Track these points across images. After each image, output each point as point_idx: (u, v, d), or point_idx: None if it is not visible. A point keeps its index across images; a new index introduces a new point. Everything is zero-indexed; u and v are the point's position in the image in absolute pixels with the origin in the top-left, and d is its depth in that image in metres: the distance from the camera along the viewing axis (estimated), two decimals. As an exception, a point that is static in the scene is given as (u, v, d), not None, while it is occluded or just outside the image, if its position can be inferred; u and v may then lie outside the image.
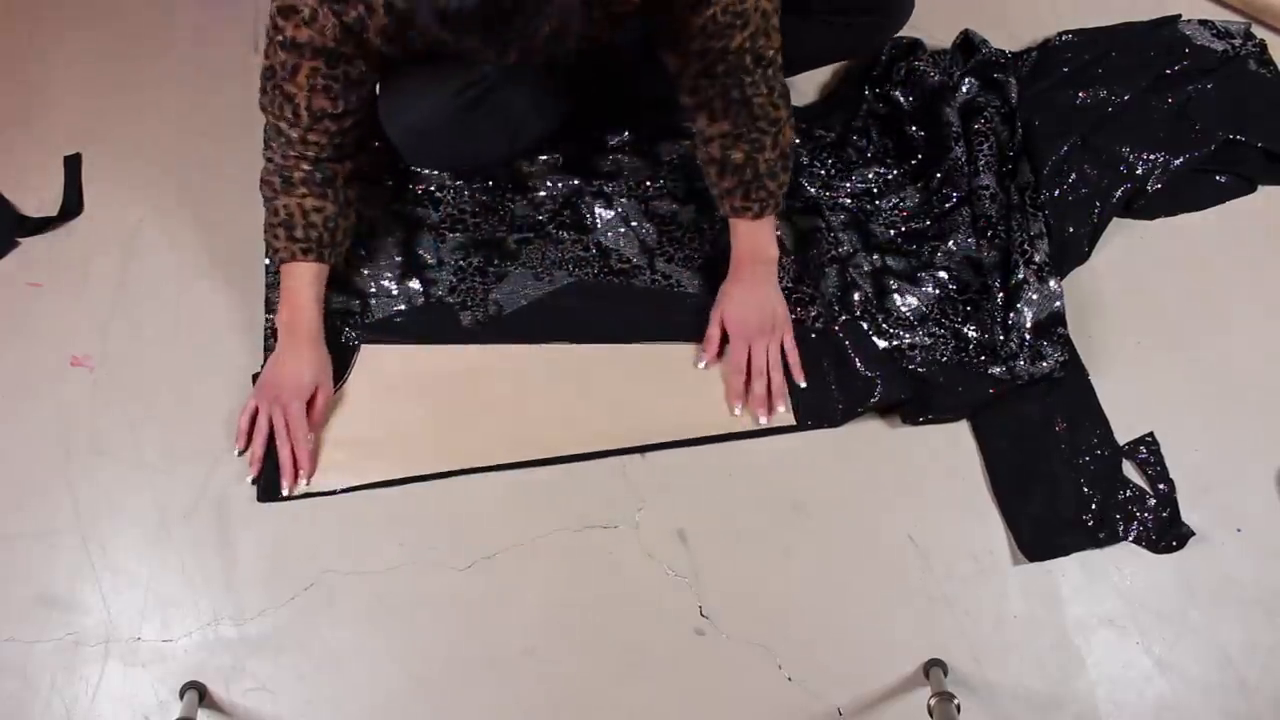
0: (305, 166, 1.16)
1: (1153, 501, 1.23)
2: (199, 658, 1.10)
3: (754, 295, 1.26)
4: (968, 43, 1.52)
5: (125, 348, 1.28)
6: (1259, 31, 1.58)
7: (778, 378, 1.25)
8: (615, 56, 1.28)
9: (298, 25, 1.03)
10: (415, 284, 1.31)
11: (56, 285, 1.33)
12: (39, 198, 1.40)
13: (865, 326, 1.30)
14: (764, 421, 1.23)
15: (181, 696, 1.07)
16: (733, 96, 1.12)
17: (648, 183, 1.40)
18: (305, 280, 1.19)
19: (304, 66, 1.07)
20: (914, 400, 1.26)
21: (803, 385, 1.26)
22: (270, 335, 1.26)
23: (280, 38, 1.05)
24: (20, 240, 1.36)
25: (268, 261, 1.31)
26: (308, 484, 1.18)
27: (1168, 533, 1.21)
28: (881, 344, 1.30)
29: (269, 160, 1.18)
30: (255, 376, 1.24)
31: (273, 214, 1.18)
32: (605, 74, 1.35)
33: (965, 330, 1.32)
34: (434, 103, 1.19)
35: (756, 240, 1.24)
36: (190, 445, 1.21)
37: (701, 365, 1.27)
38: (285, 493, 1.17)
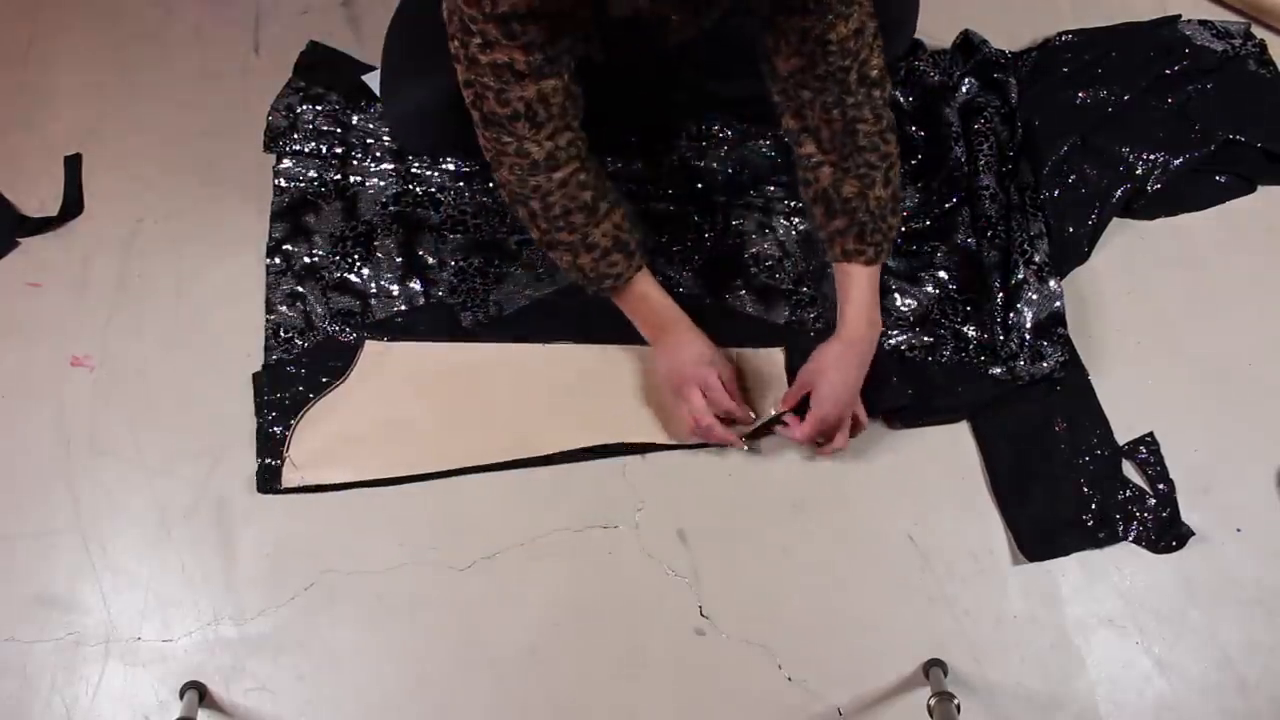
0: (580, 175, 1.04)
1: (1153, 501, 1.23)
2: (199, 658, 1.10)
3: (852, 377, 1.15)
4: (968, 43, 1.52)
5: (125, 348, 1.28)
6: (1259, 31, 1.58)
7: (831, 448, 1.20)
8: (682, 55, 1.21)
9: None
10: (416, 284, 1.31)
11: (56, 285, 1.33)
12: (39, 198, 1.40)
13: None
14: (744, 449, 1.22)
15: (181, 696, 1.07)
16: (834, 116, 1.05)
17: (648, 185, 1.40)
18: (649, 283, 1.15)
19: (520, 46, 0.93)
20: (914, 402, 1.25)
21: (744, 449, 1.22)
22: (271, 335, 1.26)
23: (483, 29, 0.92)
24: (20, 240, 1.36)
25: (269, 262, 1.31)
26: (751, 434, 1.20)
27: (1168, 533, 1.21)
28: (882, 344, 1.30)
29: (537, 200, 1.05)
30: (255, 375, 1.24)
31: (586, 250, 1.08)
32: (643, 77, 1.31)
33: (965, 330, 1.32)
34: (434, 89, 1.16)
35: (871, 295, 1.13)
36: (190, 445, 1.21)
37: (744, 447, 1.21)
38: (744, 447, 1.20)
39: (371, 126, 1.42)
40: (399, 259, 1.33)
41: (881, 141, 1.07)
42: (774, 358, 1.29)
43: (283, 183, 1.38)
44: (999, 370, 1.28)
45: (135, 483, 1.19)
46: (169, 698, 1.08)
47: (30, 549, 1.15)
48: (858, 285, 1.13)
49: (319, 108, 1.43)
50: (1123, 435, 1.27)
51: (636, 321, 1.18)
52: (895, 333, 1.31)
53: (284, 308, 1.29)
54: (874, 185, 1.09)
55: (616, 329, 1.29)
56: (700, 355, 1.16)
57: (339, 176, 1.38)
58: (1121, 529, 1.21)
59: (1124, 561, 1.20)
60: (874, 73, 1.04)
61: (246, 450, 1.21)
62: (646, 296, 1.16)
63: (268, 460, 1.19)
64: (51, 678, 1.09)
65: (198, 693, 1.07)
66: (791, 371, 1.27)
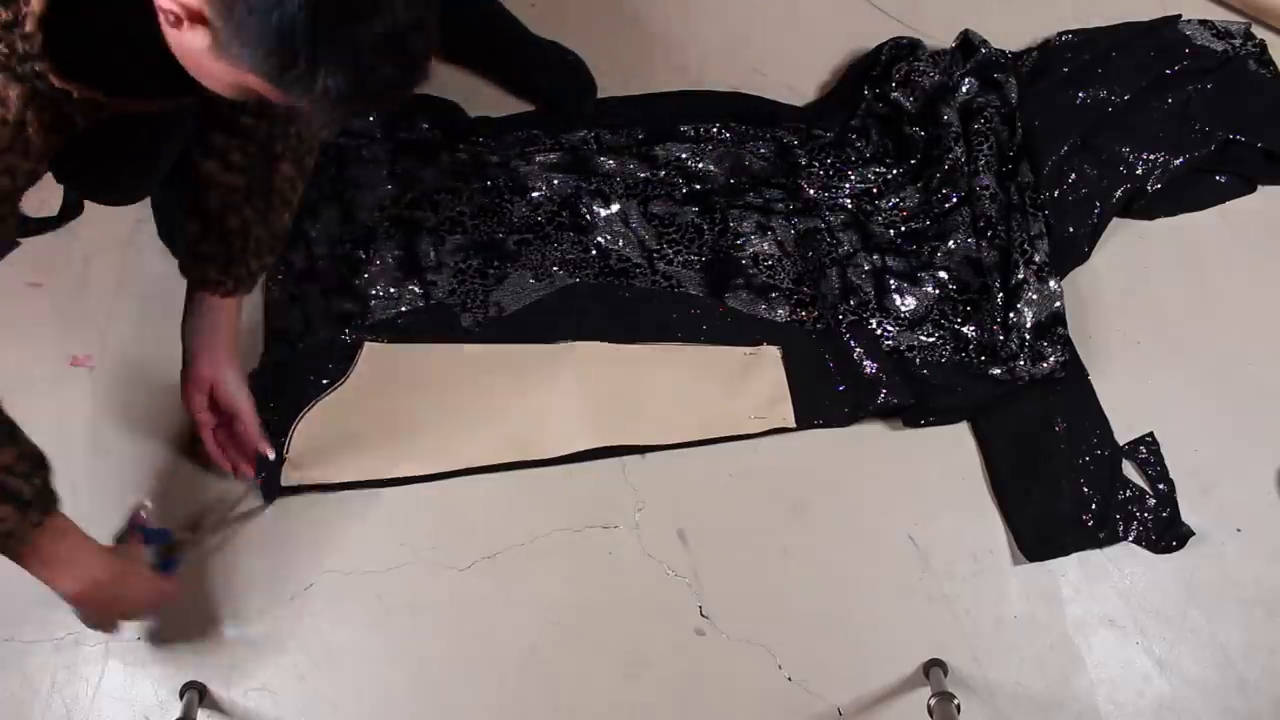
0: None
1: (1153, 501, 1.23)
2: (199, 658, 1.10)
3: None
4: (968, 43, 1.52)
5: (125, 348, 1.28)
6: (1259, 31, 1.58)
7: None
8: None
9: None
10: (415, 286, 1.31)
11: (56, 285, 1.33)
12: (39, 198, 1.39)
13: (868, 326, 1.30)
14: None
15: (181, 696, 1.07)
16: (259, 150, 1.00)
17: (645, 185, 1.40)
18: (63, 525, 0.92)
19: None
20: (914, 402, 1.26)
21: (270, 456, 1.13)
22: (270, 338, 1.26)
23: None
24: (20, 240, 1.35)
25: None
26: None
27: (1168, 533, 1.21)
28: (882, 345, 1.30)
29: None
30: (253, 374, 1.24)
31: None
32: None
33: (965, 330, 1.32)
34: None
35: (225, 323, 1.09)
36: (190, 445, 1.21)
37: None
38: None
39: (367, 129, 1.42)
40: (398, 261, 1.32)
41: (289, 187, 1.03)
42: (772, 356, 1.29)
43: None
44: (999, 370, 1.28)
45: (135, 482, 1.19)
46: (169, 698, 1.08)
47: (30, 549, 1.15)
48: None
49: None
50: (1123, 435, 1.27)
51: (61, 560, 0.92)
52: (895, 332, 1.31)
53: (283, 310, 1.28)
54: (265, 220, 1.03)
55: (616, 329, 1.29)
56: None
57: (336, 179, 1.38)
58: (1121, 529, 1.21)
59: (1124, 561, 1.20)
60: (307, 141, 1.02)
61: (246, 450, 1.20)
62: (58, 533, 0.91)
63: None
64: (51, 678, 1.09)
65: (198, 693, 1.07)
66: (790, 371, 1.28)
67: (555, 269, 1.33)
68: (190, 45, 0.68)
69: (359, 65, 0.66)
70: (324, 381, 1.24)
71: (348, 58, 0.66)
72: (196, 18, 0.65)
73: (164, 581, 1.04)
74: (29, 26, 0.69)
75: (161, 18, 0.67)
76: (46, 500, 0.89)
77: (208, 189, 1.01)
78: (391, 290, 1.31)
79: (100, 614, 1.00)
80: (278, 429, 1.20)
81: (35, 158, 0.77)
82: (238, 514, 1.17)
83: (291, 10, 0.62)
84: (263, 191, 1.02)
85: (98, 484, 1.19)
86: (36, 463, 0.89)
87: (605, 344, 1.29)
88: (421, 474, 1.20)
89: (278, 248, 1.08)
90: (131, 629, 1.11)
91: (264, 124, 0.98)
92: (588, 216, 1.36)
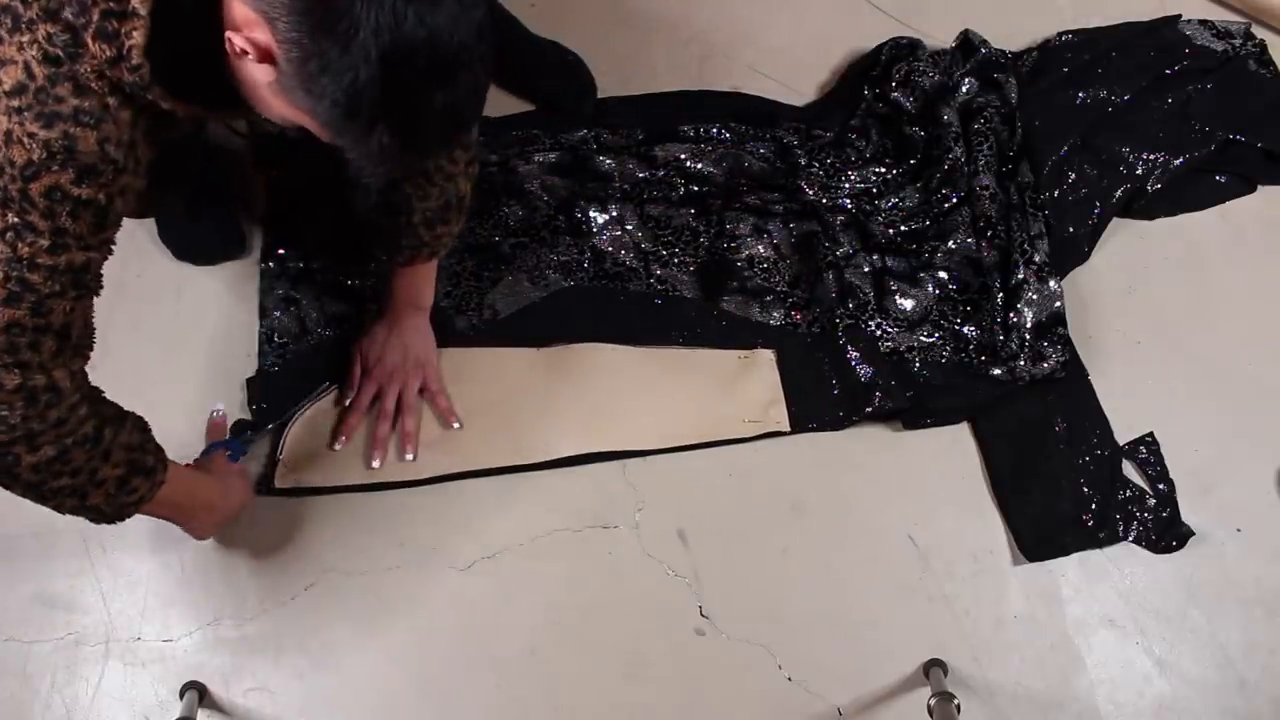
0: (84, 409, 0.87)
1: (1153, 501, 1.23)
2: (199, 658, 1.10)
3: (396, 336, 1.20)
4: (968, 43, 1.52)
5: (125, 348, 1.28)
6: (1259, 31, 1.58)
7: (410, 421, 1.20)
8: None
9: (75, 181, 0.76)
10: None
11: (56, 285, 1.33)
12: (39, 198, 1.40)
13: (865, 329, 1.30)
14: (376, 464, 1.18)
15: (181, 696, 1.07)
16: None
17: (643, 185, 1.40)
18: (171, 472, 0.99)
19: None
20: (915, 403, 1.25)
21: (456, 427, 1.21)
22: (265, 340, 1.26)
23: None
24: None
25: (262, 266, 1.31)
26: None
27: (1168, 533, 1.21)
28: (881, 346, 1.30)
29: (52, 443, 0.84)
30: (250, 381, 1.23)
31: (96, 487, 0.90)
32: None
33: (965, 330, 1.32)
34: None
35: (409, 287, 1.19)
36: (190, 445, 1.21)
37: (340, 442, 1.19)
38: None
39: (463, 193, 1.41)
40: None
41: (449, 161, 1.08)
42: (767, 360, 1.29)
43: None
44: (999, 371, 1.28)
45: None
46: (169, 698, 1.08)
47: (30, 549, 1.15)
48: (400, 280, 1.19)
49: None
50: (1123, 435, 1.27)
51: (182, 502, 1.03)
52: (895, 333, 1.31)
53: (278, 313, 1.28)
54: (428, 197, 1.08)
55: (612, 333, 1.29)
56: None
57: (332, 179, 1.37)
58: (1121, 529, 1.21)
59: (1124, 561, 1.20)
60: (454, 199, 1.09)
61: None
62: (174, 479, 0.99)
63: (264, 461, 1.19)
64: (51, 678, 1.09)
65: (198, 693, 1.07)
66: (784, 374, 1.27)
67: (550, 272, 1.32)
68: (253, 77, 0.73)
69: (415, 130, 0.71)
70: (318, 384, 1.23)
71: (407, 124, 0.70)
72: (266, 57, 0.69)
73: (245, 481, 1.15)
74: (136, 58, 0.72)
75: (228, 46, 0.71)
76: (162, 460, 0.96)
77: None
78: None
79: (207, 528, 1.10)
80: (272, 432, 1.20)
81: (142, 174, 0.80)
82: (308, 405, 1.22)
83: (365, 79, 0.66)
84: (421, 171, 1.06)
85: (98, 484, 1.19)
86: (144, 428, 0.95)
87: (599, 347, 1.28)
88: (414, 479, 1.19)
89: (454, 216, 1.11)
90: (131, 629, 1.12)
91: None
92: (584, 220, 1.36)
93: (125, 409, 0.93)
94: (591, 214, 1.36)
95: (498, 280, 1.32)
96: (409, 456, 1.19)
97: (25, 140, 0.72)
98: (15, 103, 0.72)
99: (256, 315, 1.29)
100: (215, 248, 1.31)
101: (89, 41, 0.71)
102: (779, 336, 1.30)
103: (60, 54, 0.72)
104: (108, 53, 0.72)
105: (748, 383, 1.27)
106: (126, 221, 1.35)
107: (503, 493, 1.20)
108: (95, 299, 0.86)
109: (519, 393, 1.25)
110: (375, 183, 0.94)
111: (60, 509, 0.90)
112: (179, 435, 1.22)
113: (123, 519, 0.95)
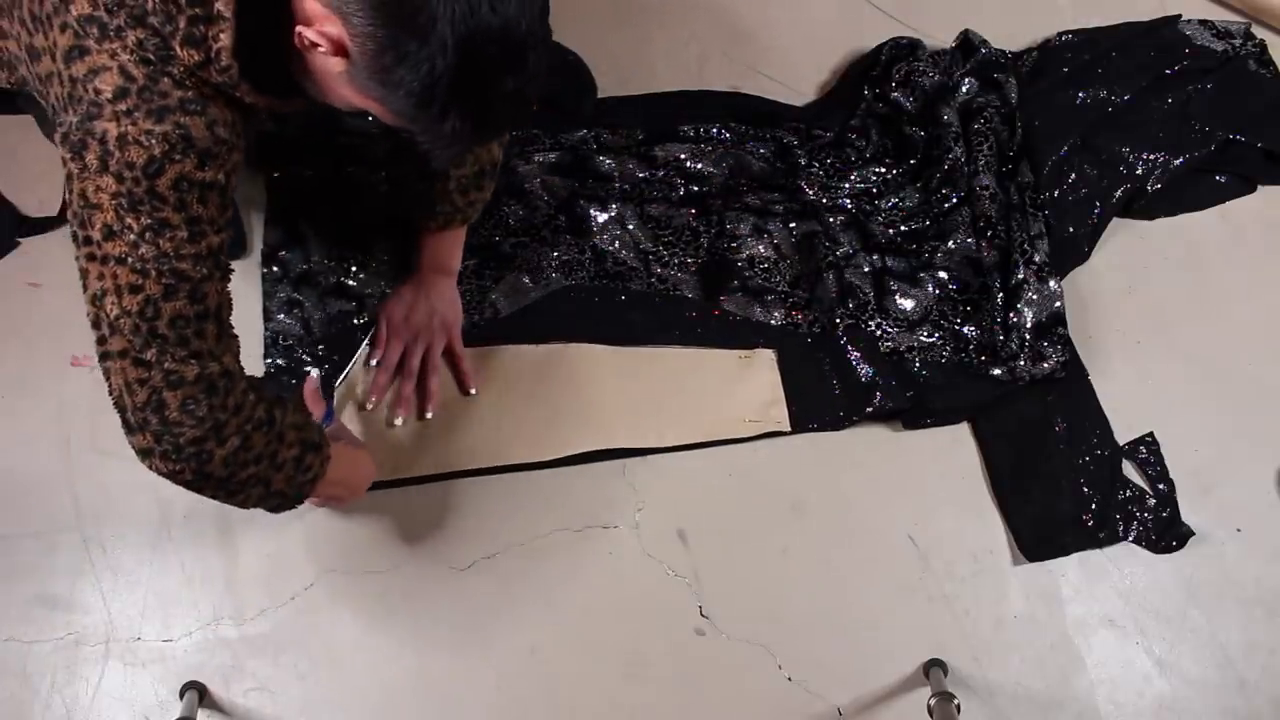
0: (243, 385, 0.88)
1: (1153, 501, 1.23)
2: (199, 658, 1.10)
3: (423, 298, 1.22)
4: (968, 43, 1.52)
5: (125, 348, 1.28)
6: (1259, 31, 1.58)
7: (434, 381, 1.21)
8: None
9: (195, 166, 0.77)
10: (413, 286, 1.31)
11: (56, 285, 1.33)
12: (39, 198, 1.40)
13: (866, 329, 1.30)
14: (399, 422, 1.19)
15: (181, 696, 1.07)
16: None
17: (643, 185, 1.40)
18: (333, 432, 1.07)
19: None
20: (915, 403, 1.26)
21: (473, 392, 1.23)
22: (270, 344, 1.26)
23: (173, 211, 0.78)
24: (20, 240, 1.36)
25: (264, 270, 1.31)
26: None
27: (1168, 533, 1.21)
28: (881, 346, 1.30)
29: (236, 435, 0.86)
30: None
31: (278, 470, 0.92)
32: None
33: (965, 330, 1.32)
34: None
35: (439, 251, 1.21)
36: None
37: (370, 402, 1.20)
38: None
39: (366, 129, 1.41)
40: (394, 262, 1.32)
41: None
42: (767, 360, 1.29)
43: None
44: (999, 371, 1.28)
45: (135, 483, 1.19)
46: (169, 698, 1.08)
47: (30, 549, 1.15)
48: (427, 245, 1.21)
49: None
50: (1123, 435, 1.27)
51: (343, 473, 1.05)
52: (895, 333, 1.31)
53: (282, 315, 1.28)
54: (461, 164, 1.11)
55: (613, 332, 1.29)
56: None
57: (334, 179, 1.37)
58: (1121, 529, 1.21)
59: (1124, 561, 1.20)
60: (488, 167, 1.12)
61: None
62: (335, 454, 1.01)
63: None
64: (51, 678, 1.09)
65: (198, 693, 1.07)
66: (785, 374, 1.27)
67: (551, 272, 1.32)
68: (323, 68, 0.74)
69: (486, 114, 0.73)
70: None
71: (479, 109, 0.72)
72: (339, 50, 0.71)
73: (361, 444, 1.14)
74: (225, 60, 0.74)
75: (296, 40, 0.72)
76: (324, 435, 0.98)
77: None
78: (388, 291, 1.31)
79: (358, 495, 1.11)
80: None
81: (242, 149, 0.82)
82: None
83: (441, 69, 0.68)
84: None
85: (98, 484, 1.19)
86: (301, 407, 0.97)
87: (600, 346, 1.28)
88: (414, 476, 1.20)
89: (487, 182, 1.14)
90: (131, 629, 1.12)
91: None
92: (584, 220, 1.36)
93: (281, 394, 0.95)
94: (592, 213, 1.36)
95: (499, 279, 1.32)
96: (429, 414, 1.21)
97: (142, 139, 0.74)
98: (122, 106, 0.74)
99: (259, 316, 1.29)
100: None
101: (177, 48, 0.73)
102: (779, 336, 1.30)
103: (152, 57, 0.74)
104: (196, 57, 0.74)
105: (748, 382, 1.27)
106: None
107: (503, 493, 1.20)
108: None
109: (519, 391, 1.25)
110: (441, 164, 0.95)
111: (246, 503, 0.92)
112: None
113: (302, 500, 0.97)
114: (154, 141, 0.74)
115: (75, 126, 0.75)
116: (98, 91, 0.74)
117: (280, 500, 0.95)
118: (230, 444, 0.85)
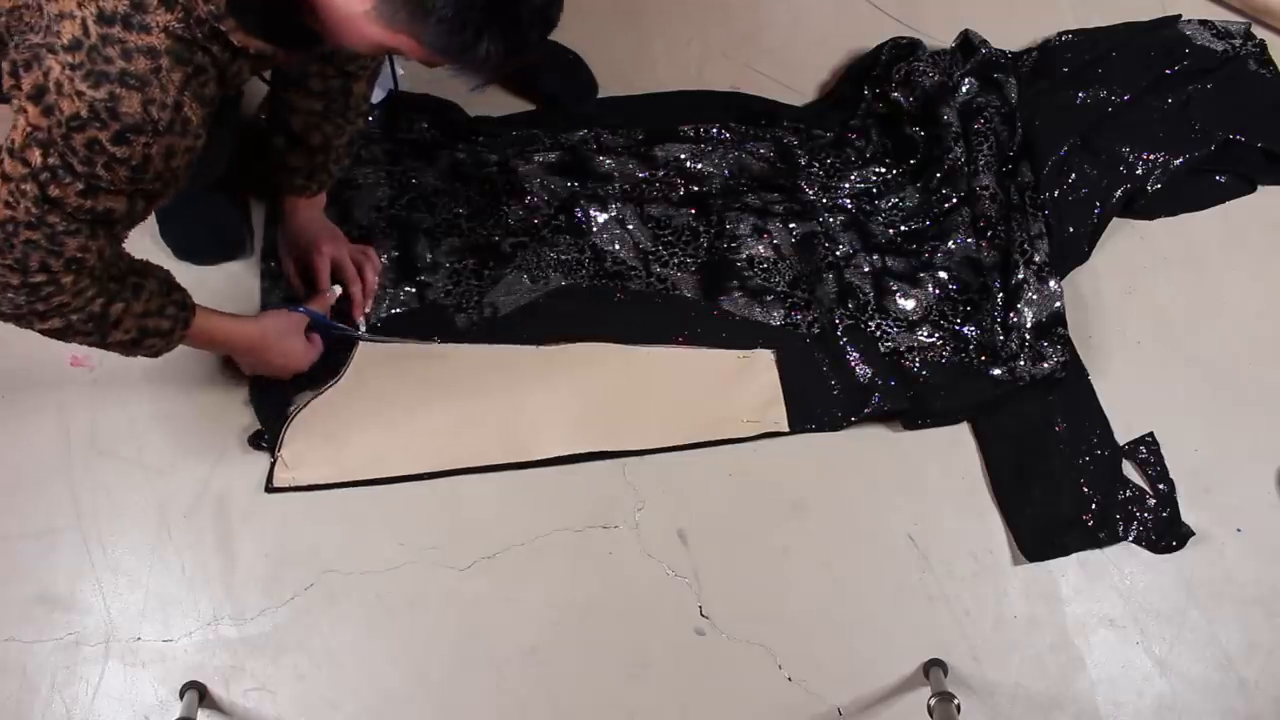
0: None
1: (1153, 501, 1.23)
2: (199, 658, 1.10)
3: (312, 225, 1.25)
4: (968, 43, 1.52)
5: (125, 348, 1.28)
6: (1259, 31, 1.58)
7: (357, 289, 1.27)
8: None
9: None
10: (410, 286, 1.31)
11: (56, 285, 1.33)
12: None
13: (865, 330, 1.30)
14: (362, 326, 1.26)
15: (181, 696, 1.07)
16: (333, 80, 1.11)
17: (643, 185, 1.40)
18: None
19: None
20: (914, 403, 1.25)
21: (361, 326, 1.26)
22: None
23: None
24: (20, 240, 1.35)
25: (263, 266, 1.31)
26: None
27: (1168, 533, 1.21)
28: (881, 346, 1.30)
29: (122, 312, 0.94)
30: (253, 380, 1.23)
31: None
32: None
33: (965, 331, 1.32)
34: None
35: (312, 204, 1.25)
36: (190, 445, 1.21)
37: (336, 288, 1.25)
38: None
39: (366, 128, 1.42)
40: (393, 261, 1.32)
41: (364, 98, 1.16)
42: (766, 360, 1.29)
43: None
44: (999, 371, 1.28)
45: (135, 482, 1.19)
46: (169, 698, 1.08)
47: (30, 549, 1.15)
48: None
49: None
50: (1123, 435, 1.27)
51: (219, 345, 1.12)
52: (895, 333, 1.31)
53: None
54: (343, 134, 1.16)
55: (611, 331, 1.29)
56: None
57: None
58: (1121, 529, 1.21)
59: (1124, 561, 1.20)
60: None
61: (246, 450, 1.20)
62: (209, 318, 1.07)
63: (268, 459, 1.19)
64: (51, 678, 1.09)
65: (198, 693, 1.07)
66: (784, 375, 1.27)
67: (550, 271, 1.32)
68: (345, 9, 0.75)
69: (517, 34, 0.74)
70: (316, 382, 1.23)
71: (510, 29, 0.73)
72: None
73: (309, 343, 1.19)
74: None
75: None
76: (184, 315, 1.01)
77: (291, 113, 1.13)
78: (386, 290, 1.31)
79: (256, 366, 1.18)
80: (270, 430, 1.20)
81: (191, 135, 0.82)
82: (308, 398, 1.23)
83: None
84: (340, 110, 1.14)
85: (98, 484, 1.19)
86: (165, 289, 0.99)
87: (599, 346, 1.28)
88: (414, 474, 1.20)
89: (353, 151, 1.22)
90: (131, 629, 1.12)
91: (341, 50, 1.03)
92: (584, 219, 1.36)
93: (150, 274, 0.98)
94: (592, 213, 1.36)
95: (498, 279, 1.32)
96: (362, 325, 1.26)
97: (74, 96, 0.75)
98: (70, 58, 0.75)
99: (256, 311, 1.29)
100: (215, 248, 1.31)
101: None
102: (779, 336, 1.30)
103: (122, 9, 0.74)
104: None
105: (747, 382, 1.27)
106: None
107: (503, 493, 1.20)
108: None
109: (518, 391, 1.25)
110: (478, 91, 0.97)
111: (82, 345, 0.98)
112: (181, 434, 1.22)
113: (151, 358, 1.03)
114: (81, 103, 0.75)
115: (28, 47, 0.76)
116: (58, 35, 0.75)
117: (122, 352, 1.00)
118: (51, 324, 0.92)
